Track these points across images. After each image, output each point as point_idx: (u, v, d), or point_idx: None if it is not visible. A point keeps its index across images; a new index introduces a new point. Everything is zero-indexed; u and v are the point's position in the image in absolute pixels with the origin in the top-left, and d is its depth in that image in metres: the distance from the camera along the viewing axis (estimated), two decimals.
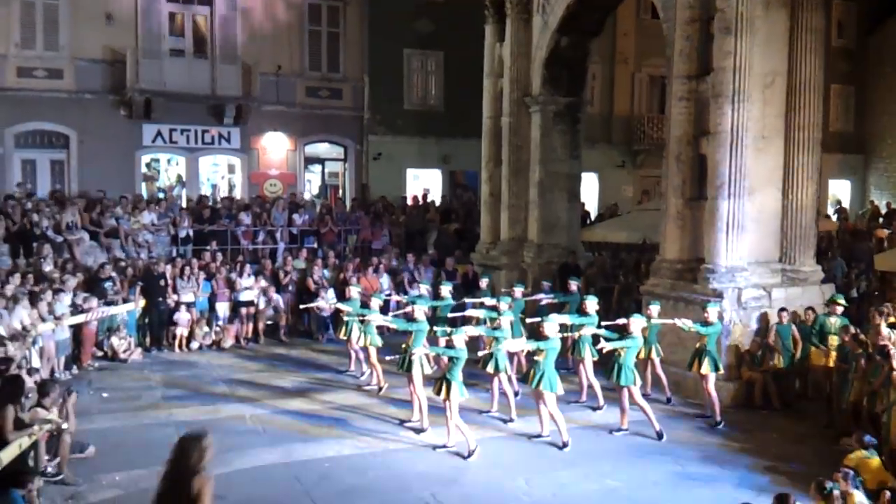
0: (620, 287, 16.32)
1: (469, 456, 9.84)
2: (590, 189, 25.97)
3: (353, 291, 13.87)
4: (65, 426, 8.82)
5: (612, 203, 25.48)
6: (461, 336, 10.17)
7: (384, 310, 16.61)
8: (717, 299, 12.22)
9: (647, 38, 26.36)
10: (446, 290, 14.15)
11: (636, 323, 10.85)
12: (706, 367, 11.45)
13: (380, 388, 12.91)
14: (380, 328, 12.84)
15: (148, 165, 23.29)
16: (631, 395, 10.83)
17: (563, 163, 17.75)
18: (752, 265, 12.81)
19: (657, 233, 14.57)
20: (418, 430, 10.86)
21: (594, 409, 12.08)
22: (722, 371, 11.79)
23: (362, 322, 12.96)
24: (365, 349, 13.14)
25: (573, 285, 14.16)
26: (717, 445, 10.68)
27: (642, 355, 11.65)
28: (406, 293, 16.22)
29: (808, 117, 13.00)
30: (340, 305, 14.02)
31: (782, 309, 12.52)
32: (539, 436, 10.61)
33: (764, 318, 12.68)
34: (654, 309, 12.08)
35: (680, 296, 13.06)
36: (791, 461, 9.95)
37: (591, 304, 12.16)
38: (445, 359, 10.73)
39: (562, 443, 10.32)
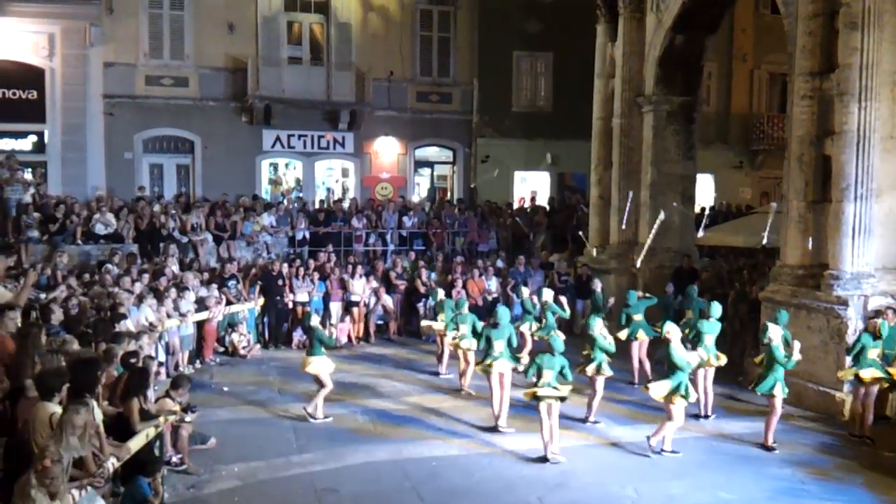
0: (736, 293, 15.75)
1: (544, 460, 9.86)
2: (705, 191, 25.15)
3: (441, 293, 14.71)
4: (188, 419, 9.28)
5: (711, 206, 24.11)
6: (559, 338, 10.28)
7: (491, 311, 16.73)
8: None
9: (767, 34, 25.40)
10: (549, 294, 14.15)
11: (775, 331, 10.50)
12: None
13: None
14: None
15: (274, 168, 24.22)
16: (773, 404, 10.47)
17: (677, 164, 17.36)
18: (880, 271, 12.16)
19: (777, 236, 14.02)
20: (498, 429, 10.92)
21: (701, 416, 11.74)
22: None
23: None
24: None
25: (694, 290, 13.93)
26: (839, 461, 10.14)
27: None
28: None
29: None
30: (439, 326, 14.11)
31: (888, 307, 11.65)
32: (661, 451, 10.28)
33: None
34: (782, 317, 11.49)
35: (801, 303, 12.51)
36: None
37: (717, 309, 11.84)
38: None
39: (668, 450, 10.19)
